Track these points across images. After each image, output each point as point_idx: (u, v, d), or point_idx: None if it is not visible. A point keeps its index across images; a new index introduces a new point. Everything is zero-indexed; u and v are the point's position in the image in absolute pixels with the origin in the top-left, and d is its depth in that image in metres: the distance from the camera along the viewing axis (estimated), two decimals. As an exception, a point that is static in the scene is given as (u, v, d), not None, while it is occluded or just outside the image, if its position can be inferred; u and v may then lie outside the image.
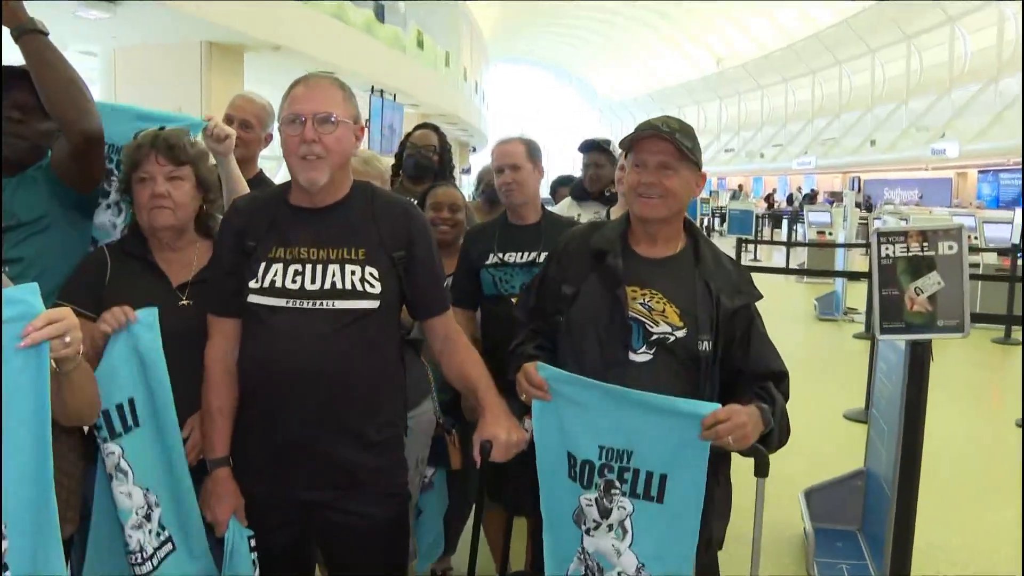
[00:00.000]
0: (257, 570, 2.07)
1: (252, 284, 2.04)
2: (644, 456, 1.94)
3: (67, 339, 1.58)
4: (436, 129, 4.08)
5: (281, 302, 2.02)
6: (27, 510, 1.61)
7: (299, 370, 2.00)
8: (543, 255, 2.67)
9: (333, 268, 2.04)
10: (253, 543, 2.07)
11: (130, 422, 1.98)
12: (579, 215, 3.85)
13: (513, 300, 2.79)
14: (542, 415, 2.02)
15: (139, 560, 1.97)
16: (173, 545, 2.01)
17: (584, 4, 38.00)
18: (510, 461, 2.08)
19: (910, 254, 3.02)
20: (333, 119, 2.02)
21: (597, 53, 52.07)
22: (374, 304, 2.05)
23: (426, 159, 3.84)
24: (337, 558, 2.19)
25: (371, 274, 2.05)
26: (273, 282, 2.03)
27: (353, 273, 2.04)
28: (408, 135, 4.01)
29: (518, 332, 2.28)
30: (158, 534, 1.96)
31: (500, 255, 2.98)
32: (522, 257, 3.02)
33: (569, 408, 2.00)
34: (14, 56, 2.23)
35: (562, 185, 5.19)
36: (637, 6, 43.79)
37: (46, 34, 2.18)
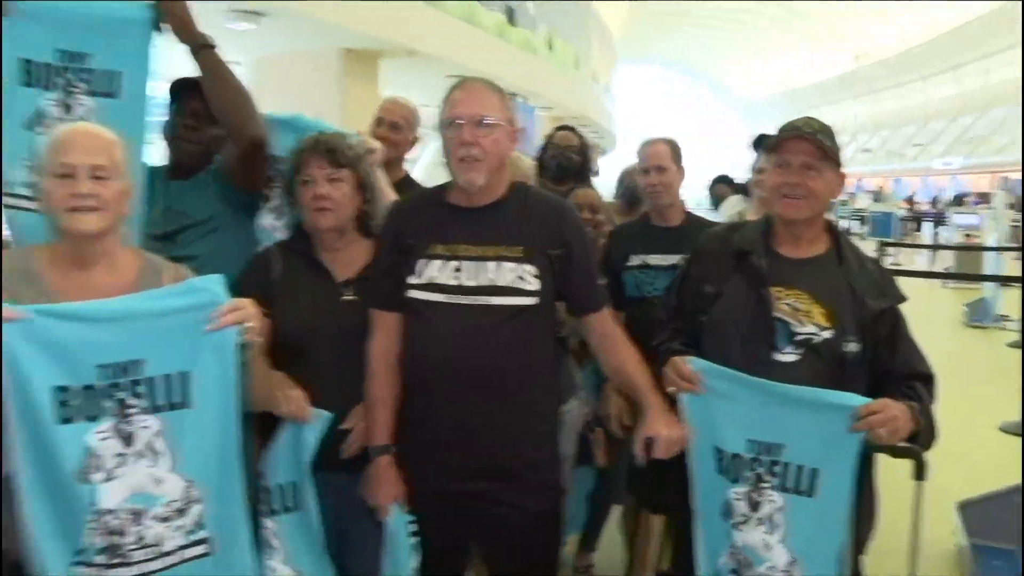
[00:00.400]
0: (415, 557, 2.13)
1: (412, 280, 2.13)
2: (795, 450, 1.94)
3: (249, 325, 1.77)
4: (575, 131, 4.07)
5: (440, 297, 2.10)
6: (218, 479, 1.81)
7: (458, 364, 2.07)
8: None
9: (491, 265, 2.10)
10: (412, 529, 2.14)
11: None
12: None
13: (656, 303, 2.78)
14: (691, 409, 2.03)
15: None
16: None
17: (716, 3, 37.44)
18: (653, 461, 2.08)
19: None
20: (490, 122, 2.09)
21: (729, 51, 51.21)
22: (531, 301, 2.11)
23: (568, 160, 3.83)
24: (492, 550, 2.26)
25: (528, 271, 2.10)
26: (432, 278, 2.11)
27: (511, 270, 2.09)
28: (549, 137, 4.01)
29: (659, 332, 2.29)
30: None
31: (643, 257, 2.97)
32: (666, 260, 3.00)
33: (718, 402, 2.01)
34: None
35: (721, 183, 5.19)
36: (770, 4, 42.85)
37: (215, 50, 2.32)
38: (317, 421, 2.10)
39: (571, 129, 4.10)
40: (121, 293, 1.83)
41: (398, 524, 2.14)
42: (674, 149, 3.15)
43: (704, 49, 49.23)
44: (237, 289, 1.97)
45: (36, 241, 2.05)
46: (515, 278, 2.10)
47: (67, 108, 2.30)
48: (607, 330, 2.26)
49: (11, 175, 2.19)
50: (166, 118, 2.62)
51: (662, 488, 2.29)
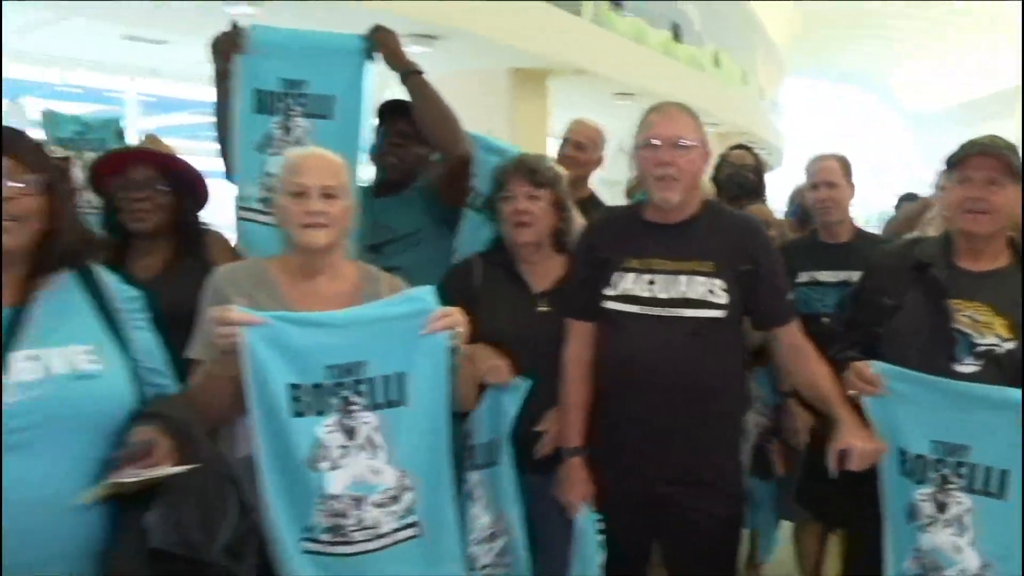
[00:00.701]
0: (602, 554, 2.24)
1: (607, 292, 2.27)
2: (982, 451, 1.93)
3: (458, 331, 1.94)
4: (750, 149, 4.11)
5: (635, 309, 2.23)
6: (428, 471, 1.98)
7: (651, 372, 2.19)
8: (856, 274, 2.64)
9: (683, 279, 2.22)
10: (600, 528, 2.26)
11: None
12: None
13: (824, 320, 2.80)
14: (874, 411, 2.06)
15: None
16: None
17: (891, 6, 35.98)
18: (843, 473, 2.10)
19: None
20: (685, 143, 2.21)
21: (899, 60, 49.02)
22: (720, 313, 2.22)
23: (744, 178, 3.87)
24: (675, 552, 2.37)
25: (718, 285, 2.21)
26: (627, 290, 2.24)
27: (701, 284, 2.20)
28: (724, 155, 4.05)
29: (834, 344, 2.34)
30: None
31: (812, 274, 2.99)
32: (835, 276, 3.00)
33: (901, 404, 2.02)
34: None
35: (907, 200, 5.21)
36: (954, 8, 40.87)
37: (424, 75, 2.53)
38: (517, 388, 2.31)
39: (746, 148, 4.14)
40: (343, 300, 2.04)
41: (587, 523, 2.27)
42: (844, 165, 3.16)
43: (873, 59, 47.41)
44: (443, 294, 2.12)
45: (263, 250, 2.28)
46: (705, 291, 2.22)
47: (287, 130, 2.55)
48: (797, 343, 2.32)
49: (246, 191, 2.45)
50: (373, 139, 2.85)
51: (841, 502, 2.32)
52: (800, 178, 3.51)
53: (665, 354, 2.20)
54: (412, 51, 8.80)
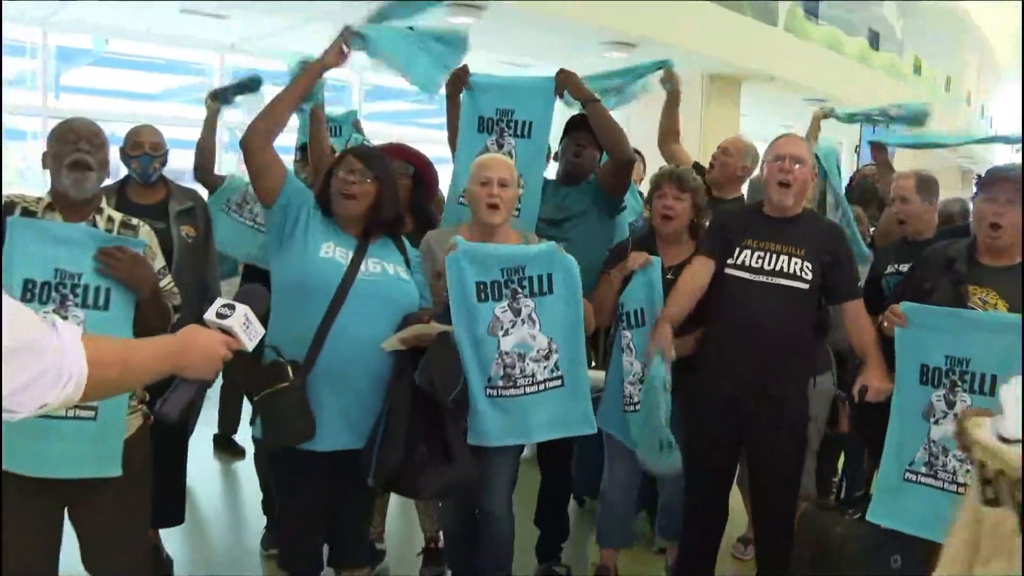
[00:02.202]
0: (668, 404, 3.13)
1: (729, 261, 3.08)
2: (981, 361, 2.63)
3: None
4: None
5: (747, 276, 3.04)
6: (567, 340, 2.95)
7: (753, 319, 3.04)
8: None
9: (783, 258, 3.03)
10: (668, 381, 3.13)
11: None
12: None
13: None
14: (901, 338, 2.77)
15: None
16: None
17: None
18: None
19: None
20: (801, 160, 3.06)
21: None
22: (804, 286, 3.03)
23: (870, 187, 4.61)
24: (757, 455, 3.25)
25: (807, 267, 3.00)
26: (744, 261, 3.05)
27: (795, 264, 3.01)
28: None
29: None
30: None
31: (896, 266, 3.59)
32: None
33: (922, 330, 2.73)
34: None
35: None
36: None
37: (600, 101, 3.37)
38: (653, 267, 3.22)
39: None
40: None
41: (657, 373, 3.08)
42: (921, 182, 3.70)
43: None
44: (607, 264, 3.30)
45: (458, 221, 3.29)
46: (797, 269, 3.02)
47: (499, 145, 3.47)
48: (859, 315, 3.11)
49: (460, 186, 3.38)
50: (561, 145, 3.71)
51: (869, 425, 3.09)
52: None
53: (764, 309, 3.04)
54: (611, 57, 9.55)
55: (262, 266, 3.79)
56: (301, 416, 2.44)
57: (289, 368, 2.43)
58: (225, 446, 5.20)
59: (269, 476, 2.90)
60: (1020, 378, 1.53)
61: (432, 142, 10.37)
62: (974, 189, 3.76)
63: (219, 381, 3.34)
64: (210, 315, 1.71)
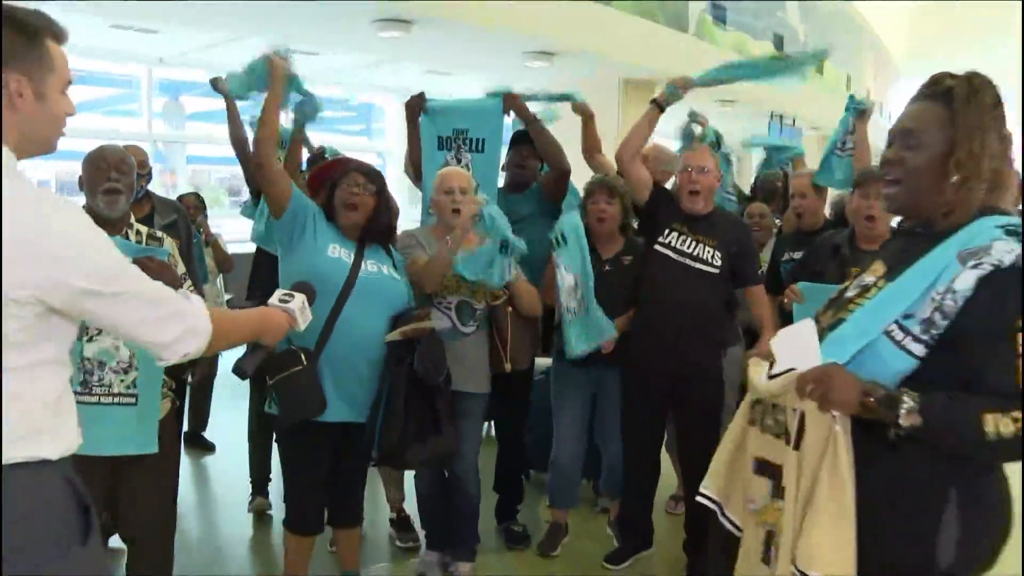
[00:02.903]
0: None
1: (660, 240, 3.65)
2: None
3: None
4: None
5: (673, 255, 3.61)
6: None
7: (677, 299, 3.62)
8: None
9: (700, 246, 3.61)
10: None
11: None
12: None
13: None
14: (798, 312, 3.27)
15: None
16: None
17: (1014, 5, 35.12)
18: None
19: None
20: (706, 169, 3.70)
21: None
22: (715, 271, 3.63)
23: (773, 185, 5.24)
24: (683, 418, 3.82)
25: (717, 255, 3.61)
26: (671, 242, 3.63)
27: (708, 252, 3.61)
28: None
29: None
30: None
31: (791, 254, 4.21)
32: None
33: (815, 305, 3.24)
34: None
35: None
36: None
37: (540, 121, 3.90)
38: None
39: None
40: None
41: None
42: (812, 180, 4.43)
43: (996, 59, 45.98)
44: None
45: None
46: (709, 257, 3.62)
47: (458, 160, 3.99)
48: (760, 297, 3.79)
49: (428, 195, 3.86)
50: (507, 156, 4.22)
51: None
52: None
53: (684, 286, 3.64)
54: (534, 66, 10.10)
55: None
56: (313, 394, 2.90)
57: (302, 354, 2.88)
58: (195, 442, 5.57)
59: (280, 448, 3.33)
60: (791, 328, 2.09)
61: (356, 149, 10.81)
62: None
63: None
64: (274, 300, 2.18)
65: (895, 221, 3.36)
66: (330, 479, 3.21)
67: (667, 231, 3.69)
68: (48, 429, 1.65)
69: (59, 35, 1.70)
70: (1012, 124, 1.86)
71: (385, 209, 3.25)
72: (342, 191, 3.18)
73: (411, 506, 4.10)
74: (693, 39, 12.99)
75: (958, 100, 1.78)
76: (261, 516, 4.48)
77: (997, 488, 1.75)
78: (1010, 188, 1.92)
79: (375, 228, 3.23)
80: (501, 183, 4.30)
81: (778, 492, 1.85)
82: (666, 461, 4.19)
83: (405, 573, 3.87)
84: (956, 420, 1.60)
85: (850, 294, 2.04)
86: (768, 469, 1.92)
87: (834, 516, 1.69)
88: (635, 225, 4.04)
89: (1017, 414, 1.55)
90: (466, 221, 3.29)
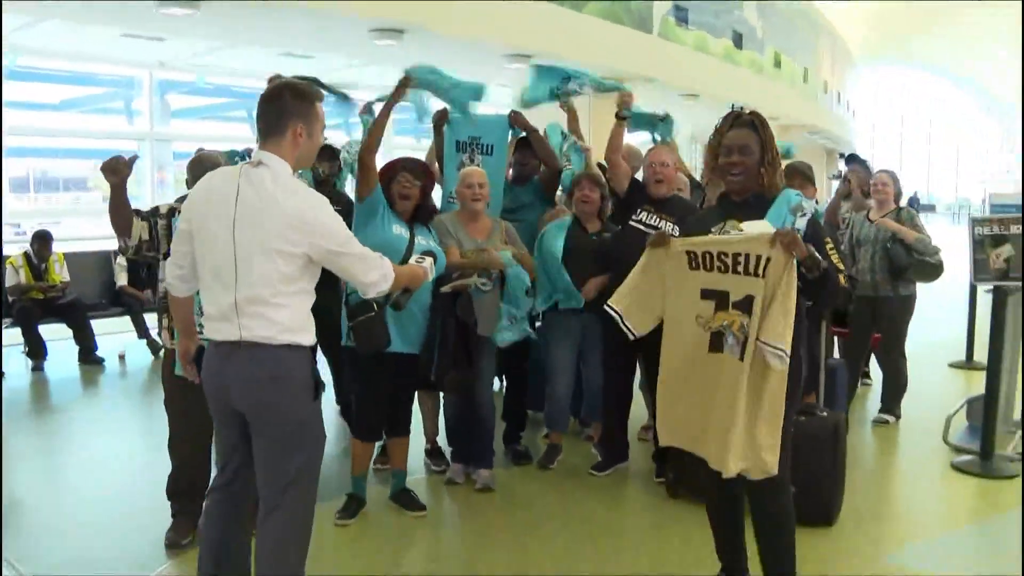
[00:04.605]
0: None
1: (633, 217, 4.65)
2: None
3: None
4: None
5: (644, 229, 4.53)
6: None
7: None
8: None
9: (664, 222, 4.54)
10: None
11: None
12: None
13: None
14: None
15: None
16: None
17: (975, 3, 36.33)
18: None
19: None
20: (667, 164, 4.71)
21: (980, 49, 48.75)
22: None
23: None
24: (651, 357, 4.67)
25: (676, 230, 4.38)
26: (642, 219, 4.60)
27: (670, 227, 4.48)
28: None
29: None
30: None
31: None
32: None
33: None
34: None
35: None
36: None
37: (537, 131, 4.97)
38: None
39: None
40: (484, 233, 4.56)
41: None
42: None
43: (950, 48, 47.30)
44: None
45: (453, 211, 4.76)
46: (670, 229, 4.45)
47: (472, 160, 5.03)
48: None
49: (448, 189, 4.91)
50: (513, 157, 5.29)
51: None
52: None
53: None
54: (511, 68, 11.19)
55: None
56: (383, 333, 3.89)
57: (375, 304, 3.90)
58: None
59: (354, 375, 4.41)
60: (754, 222, 3.26)
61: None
62: (838, 165, 5.50)
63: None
64: (413, 261, 3.35)
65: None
66: (388, 399, 4.28)
67: (639, 211, 4.69)
68: (304, 328, 2.82)
69: (320, 96, 2.90)
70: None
71: (428, 197, 4.36)
72: (397, 185, 4.23)
73: (440, 441, 5.21)
74: (658, 39, 14.04)
75: (760, 127, 3.18)
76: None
77: None
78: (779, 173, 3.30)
79: (422, 213, 4.33)
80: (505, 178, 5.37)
81: (722, 307, 3.10)
82: (638, 396, 5.28)
83: (437, 483, 4.93)
84: (833, 274, 3.10)
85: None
86: (714, 295, 3.11)
87: (785, 306, 2.95)
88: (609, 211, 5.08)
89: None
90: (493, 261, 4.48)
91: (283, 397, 2.77)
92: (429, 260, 3.33)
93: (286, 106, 2.78)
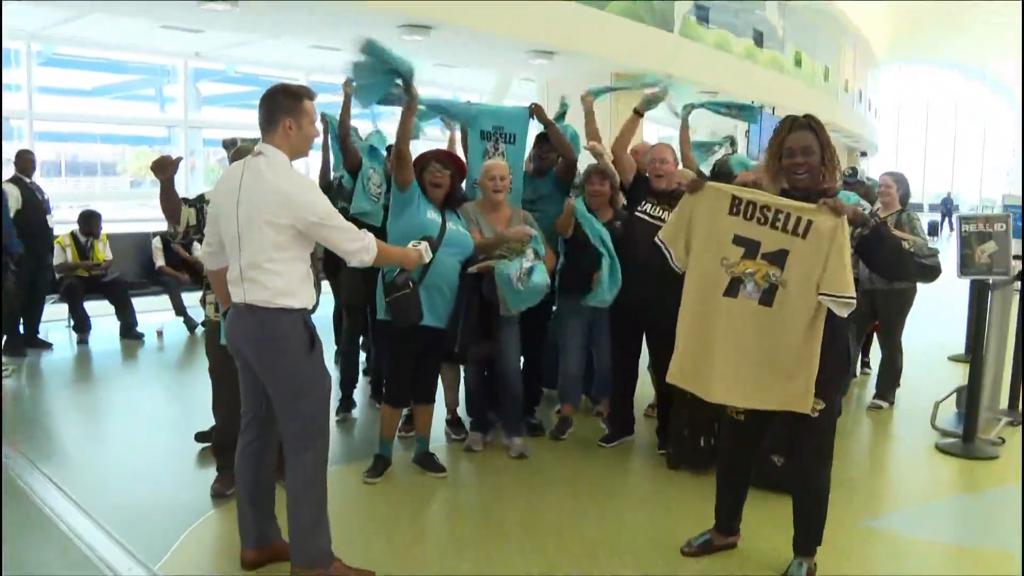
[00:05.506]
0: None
1: (639, 208, 5.00)
2: None
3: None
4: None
5: (649, 219, 4.91)
6: None
7: (647, 250, 4.78)
8: None
9: (667, 213, 4.78)
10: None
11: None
12: None
13: None
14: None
15: None
16: None
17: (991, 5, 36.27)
18: None
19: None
20: (668, 160, 4.97)
21: (1008, 49, 48.41)
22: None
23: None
24: (657, 338, 5.07)
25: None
26: (647, 210, 4.95)
27: (669, 214, 4.78)
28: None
29: None
30: None
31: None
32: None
33: None
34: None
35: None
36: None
37: (555, 125, 5.37)
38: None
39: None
40: (504, 222, 4.91)
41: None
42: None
43: (976, 47, 46.98)
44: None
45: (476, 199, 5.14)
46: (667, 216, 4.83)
47: (496, 149, 5.42)
48: None
49: (473, 177, 5.31)
50: (532, 150, 5.67)
51: None
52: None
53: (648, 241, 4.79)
54: (535, 63, 11.62)
55: (369, 222, 5.21)
56: (416, 308, 4.31)
57: (410, 281, 4.30)
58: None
59: (386, 347, 4.87)
60: None
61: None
62: (858, 162, 5.85)
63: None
64: (411, 244, 3.71)
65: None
66: (415, 369, 4.70)
67: (643, 202, 5.05)
68: (296, 292, 3.28)
69: (311, 95, 3.35)
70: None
71: (457, 184, 4.76)
72: (428, 174, 4.63)
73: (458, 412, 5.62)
74: (678, 37, 14.32)
75: (818, 129, 3.43)
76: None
77: None
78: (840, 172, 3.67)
79: (452, 199, 4.73)
80: (526, 168, 5.74)
81: (750, 255, 3.43)
82: (645, 377, 5.68)
83: (456, 450, 5.34)
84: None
85: None
86: (745, 242, 3.42)
87: (843, 260, 3.25)
88: (623, 201, 5.44)
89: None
90: (519, 232, 4.78)
91: (282, 354, 3.29)
92: (424, 244, 3.74)
93: (278, 104, 3.28)
